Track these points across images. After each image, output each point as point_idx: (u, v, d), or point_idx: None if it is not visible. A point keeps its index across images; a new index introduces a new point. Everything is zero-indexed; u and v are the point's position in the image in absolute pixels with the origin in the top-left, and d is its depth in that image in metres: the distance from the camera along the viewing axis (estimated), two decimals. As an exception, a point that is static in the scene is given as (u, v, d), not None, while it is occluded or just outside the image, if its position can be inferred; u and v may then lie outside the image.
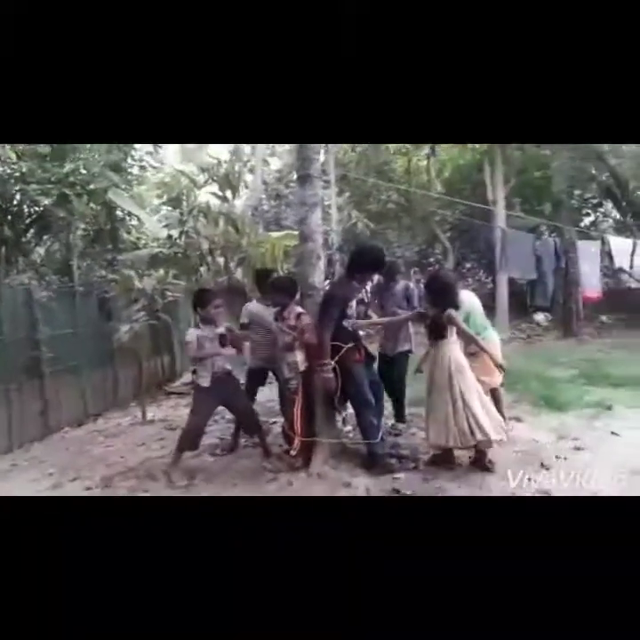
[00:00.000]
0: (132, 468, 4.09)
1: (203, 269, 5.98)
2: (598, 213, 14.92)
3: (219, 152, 8.31)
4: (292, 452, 3.86)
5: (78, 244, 8.15)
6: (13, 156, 7.03)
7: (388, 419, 4.78)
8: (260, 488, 3.62)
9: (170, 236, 6.23)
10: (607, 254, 8.22)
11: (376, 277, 4.91)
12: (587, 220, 14.79)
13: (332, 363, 3.71)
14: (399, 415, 4.91)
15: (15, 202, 7.74)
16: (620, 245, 8.47)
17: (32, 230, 8.68)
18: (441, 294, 3.85)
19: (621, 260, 8.35)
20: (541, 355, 8.52)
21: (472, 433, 3.63)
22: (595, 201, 14.48)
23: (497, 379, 4.16)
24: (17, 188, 7.00)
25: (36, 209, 7.87)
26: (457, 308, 3.85)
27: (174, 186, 6.37)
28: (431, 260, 14.17)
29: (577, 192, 13.65)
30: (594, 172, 12.65)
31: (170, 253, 5.87)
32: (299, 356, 3.87)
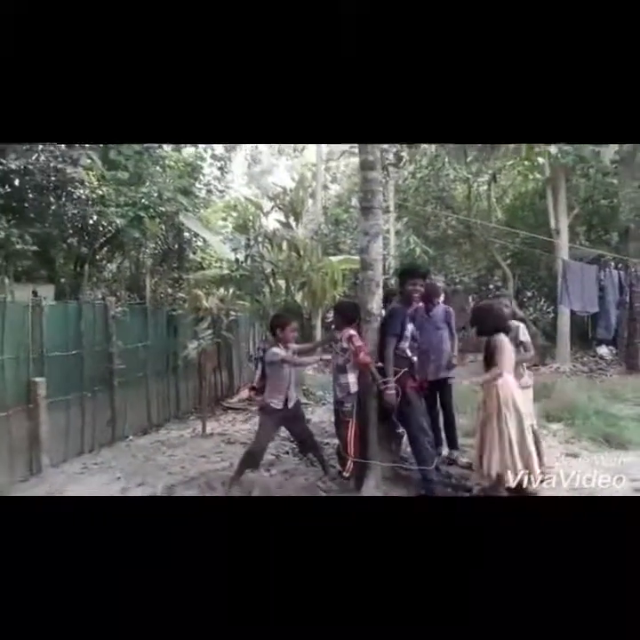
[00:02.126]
0: (193, 478, 4.32)
1: (266, 291, 6.26)
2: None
3: (283, 179, 8.69)
4: (345, 474, 3.98)
5: (147, 262, 8.70)
6: (94, 180, 7.62)
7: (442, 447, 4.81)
8: (313, 507, 3.75)
9: (237, 260, 6.56)
10: None
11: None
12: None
13: (394, 381, 3.79)
14: (452, 442, 4.90)
15: (91, 222, 8.35)
16: None
17: (105, 248, 9.33)
18: (483, 322, 3.89)
19: None
20: (605, 390, 8.22)
21: (518, 465, 3.62)
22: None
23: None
24: (97, 208, 7.57)
25: (110, 229, 8.46)
26: (506, 332, 3.86)
27: (242, 212, 6.73)
28: (491, 286, 13.96)
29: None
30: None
31: (235, 275, 6.19)
32: (351, 378, 4.00)
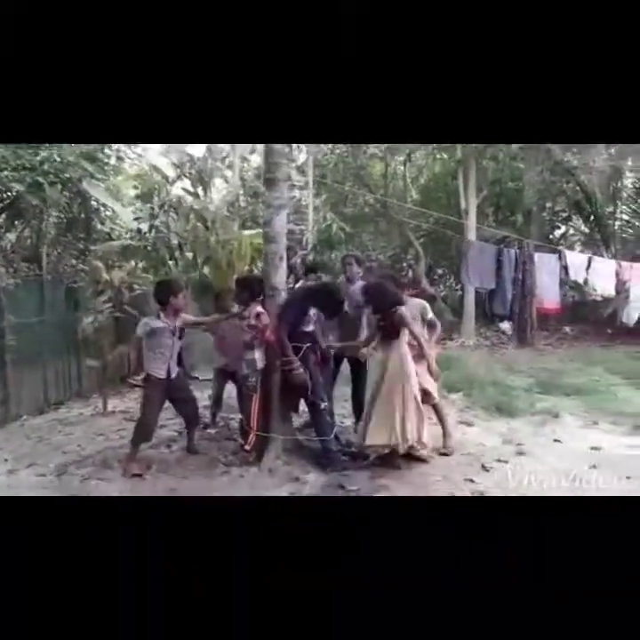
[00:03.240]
0: (88, 457, 4.16)
1: (171, 264, 6.03)
2: (569, 226, 15.36)
3: (193, 147, 8.36)
4: (247, 447, 3.99)
5: (51, 232, 8.09)
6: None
7: (346, 418, 4.93)
8: (213, 480, 3.73)
9: (139, 230, 6.26)
10: (563, 268, 8.55)
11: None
12: (557, 233, 15.24)
13: (298, 361, 3.84)
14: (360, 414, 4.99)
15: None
16: (575, 260, 8.81)
17: (3, 216, 8.58)
18: (380, 299, 3.97)
19: (576, 274, 8.68)
20: (502, 362, 8.80)
21: (418, 437, 3.82)
22: (565, 214, 14.90)
23: (435, 388, 4.30)
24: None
25: (8, 195, 7.78)
26: (401, 304, 3.99)
27: (147, 180, 6.39)
28: (404, 264, 14.40)
29: (548, 205, 14.05)
30: (564, 186, 13.03)
31: (139, 246, 5.90)
32: (257, 354, 3.99)
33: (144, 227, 5.94)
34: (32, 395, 6.00)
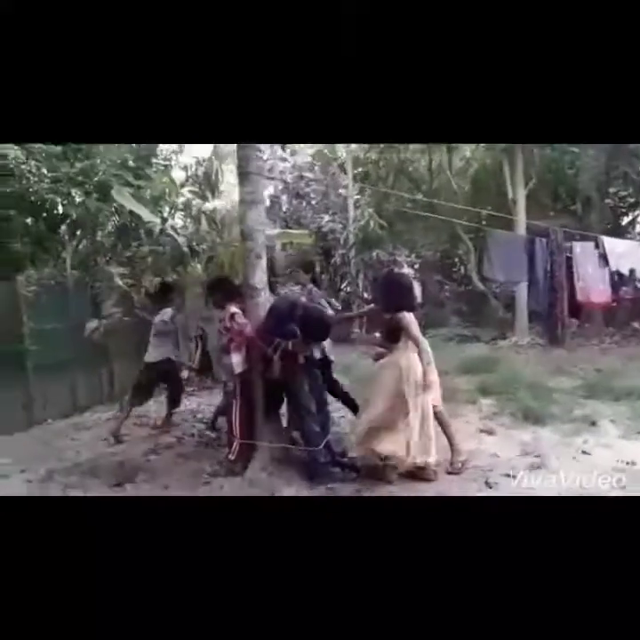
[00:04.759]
0: (78, 464, 4.13)
1: (179, 268, 5.99)
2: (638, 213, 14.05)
3: (199, 149, 8.24)
4: (231, 457, 3.80)
5: (104, 241, 8.15)
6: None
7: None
8: (194, 490, 3.57)
9: (150, 232, 6.31)
10: (602, 257, 7.59)
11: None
12: (625, 220, 13.99)
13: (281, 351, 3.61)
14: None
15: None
16: (616, 247, 7.79)
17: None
18: (393, 295, 3.68)
19: (618, 263, 7.67)
20: (551, 362, 8.07)
21: (425, 452, 3.45)
22: (632, 200, 13.61)
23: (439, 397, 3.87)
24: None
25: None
26: (412, 310, 3.66)
27: (156, 183, 6.42)
28: (455, 259, 13.78)
29: (611, 190, 12.91)
30: (627, 170, 11.89)
31: (154, 250, 5.93)
32: (234, 359, 3.78)
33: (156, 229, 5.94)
34: (59, 399, 6.12)
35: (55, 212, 7.97)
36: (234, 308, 3.77)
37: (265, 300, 3.86)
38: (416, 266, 12.77)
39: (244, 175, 3.73)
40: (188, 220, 5.90)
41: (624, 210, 13.82)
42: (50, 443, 4.86)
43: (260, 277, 3.79)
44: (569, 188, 12.98)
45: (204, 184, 5.69)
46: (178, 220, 5.61)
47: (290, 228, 11.79)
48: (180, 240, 5.37)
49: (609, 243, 7.75)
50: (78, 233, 8.71)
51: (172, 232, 5.50)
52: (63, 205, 7.64)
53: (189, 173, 6.29)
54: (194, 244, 5.51)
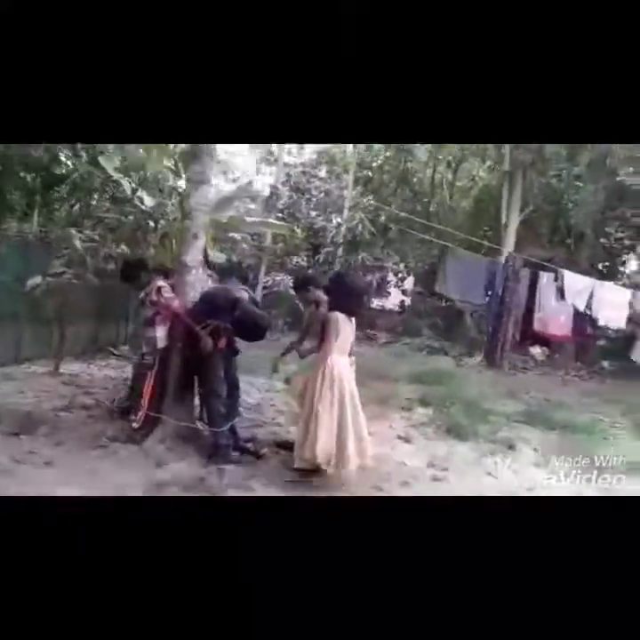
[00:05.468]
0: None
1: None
2: (632, 256, 14.04)
3: None
4: (135, 425, 3.85)
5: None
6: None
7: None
8: (86, 451, 3.61)
9: (114, 198, 6.37)
10: (559, 290, 7.62)
11: None
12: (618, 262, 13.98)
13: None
14: None
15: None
16: (574, 283, 7.78)
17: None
18: (335, 295, 3.64)
19: (574, 299, 7.68)
20: (505, 385, 8.06)
21: (358, 455, 3.45)
22: (628, 243, 13.59)
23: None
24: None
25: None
26: (351, 314, 3.64)
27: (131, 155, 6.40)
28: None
29: (608, 230, 12.90)
30: (627, 212, 11.85)
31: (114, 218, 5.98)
32: (158, 332, 3.83)
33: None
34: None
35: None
36: (160, 282, 3.81)
37: (195, 279, 3.90)
38: (400, 275, 12.79)
39: (193, 154, 3.78)
40: (159, 193, 5.92)
41: (619, 252, 13.81)
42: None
43: (193, 256, 3.83)
44: (566, 221, 12.99)
45: (174, 157, 5.69)
46: (146, 195, 5.63)
47: (284, 220, 11.82)
48: (144, 211, 5.39)
49: (569, 277, 7.79)
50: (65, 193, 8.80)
51: (138, 203, 5.54)
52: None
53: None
54: (157, 217, 5.52)
